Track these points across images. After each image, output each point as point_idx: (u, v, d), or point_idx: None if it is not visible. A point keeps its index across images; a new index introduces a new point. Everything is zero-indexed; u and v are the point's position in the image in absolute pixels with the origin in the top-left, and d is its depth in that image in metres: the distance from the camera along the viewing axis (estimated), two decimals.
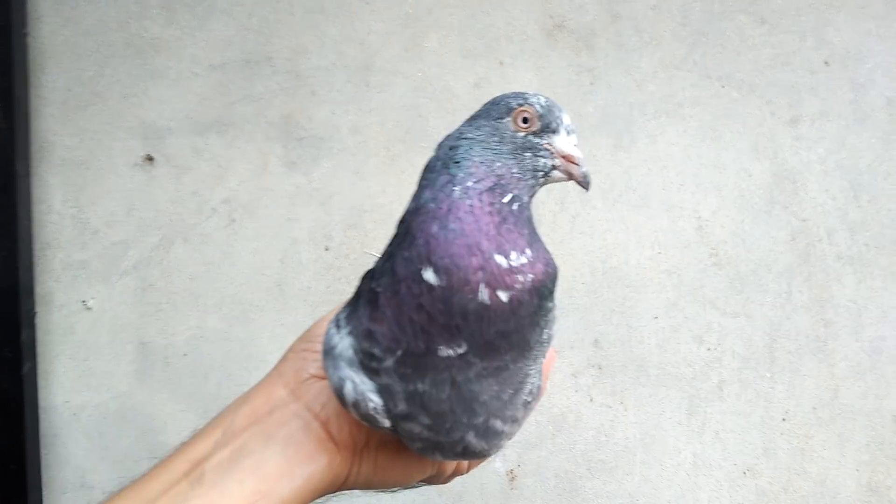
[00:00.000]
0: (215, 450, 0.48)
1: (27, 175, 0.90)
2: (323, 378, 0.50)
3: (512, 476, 0.95)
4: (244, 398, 0.52)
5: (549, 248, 0.92)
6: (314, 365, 0.51)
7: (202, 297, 0.93)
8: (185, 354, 0.94)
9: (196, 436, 0.50)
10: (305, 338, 0.53)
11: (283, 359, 0.52)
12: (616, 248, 0.92)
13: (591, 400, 0.92)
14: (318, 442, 0.48)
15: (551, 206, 0.92)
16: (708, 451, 0.92)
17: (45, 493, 0.95)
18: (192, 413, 0.94)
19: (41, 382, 0.94)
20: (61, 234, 0.94)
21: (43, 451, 0.94)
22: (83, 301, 0.95)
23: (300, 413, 0.49)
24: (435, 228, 0.42)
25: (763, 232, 0.90)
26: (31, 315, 0.89)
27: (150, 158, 0.96)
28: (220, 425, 0.50)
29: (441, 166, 0.45)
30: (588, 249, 0.92)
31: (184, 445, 0.49)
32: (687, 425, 0.92)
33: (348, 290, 0.90)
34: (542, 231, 0.89)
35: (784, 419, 0.92)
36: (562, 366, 0.94)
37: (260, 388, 0.52)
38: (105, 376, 0.94)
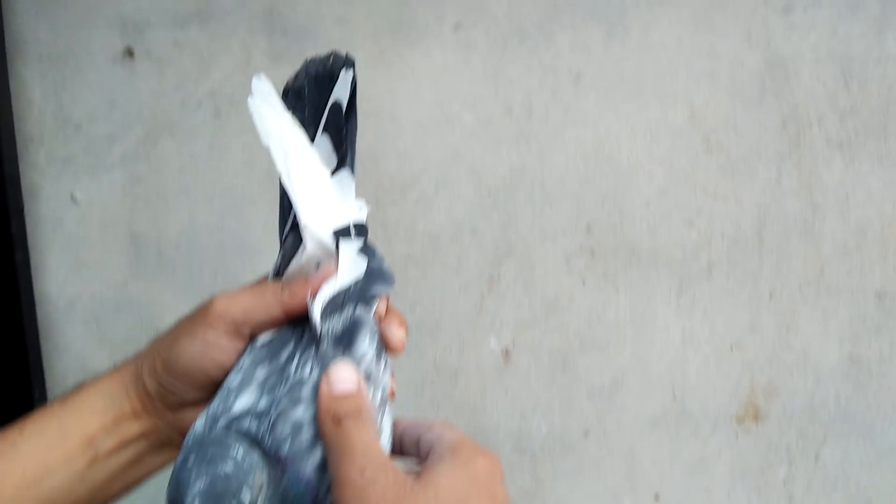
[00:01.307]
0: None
1: (4, 70, 0.89)
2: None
3: (507, 355, 1.01)
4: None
5: (543, 139, 0.94)
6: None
7: (192, 191, 0.95)
8: (177, 246, 0.96)
9: None
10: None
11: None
12: (608, 137, 0.93)
13: (584, 283, 0.96)
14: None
15: (544, 98, 0.93)
16: (696, 328, 0.97)
17: (46, 379, 1.00)
18: (189, 302, 0.96)
19: (34, 275, 0.96)
20: (44, 129, 0.94)
21: (42, 341, 0.98)
22: (71, 194, 0.96)
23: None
24: None
25: (754, 119, 0.92)
26: (19, 206, 0.91)
27: (130, 52, 0.95)
28: None
29: None
30: (580, 140, 0.93)
31: None
32: (677, 305, 0.97)
33: None
34: (535, 123, 0.91)
35: (771, 297, 0.96)
36: (554, 251, 0.96)
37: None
38: (98, 268, 0.96)
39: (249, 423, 0.40)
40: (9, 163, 0.89)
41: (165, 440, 0.47)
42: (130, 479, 0.47)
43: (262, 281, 0.48)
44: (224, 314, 0.44)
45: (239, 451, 0.37)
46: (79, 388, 0.47)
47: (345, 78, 0.48)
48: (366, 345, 0.42)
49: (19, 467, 0.43)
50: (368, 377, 0.42)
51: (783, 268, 0.96)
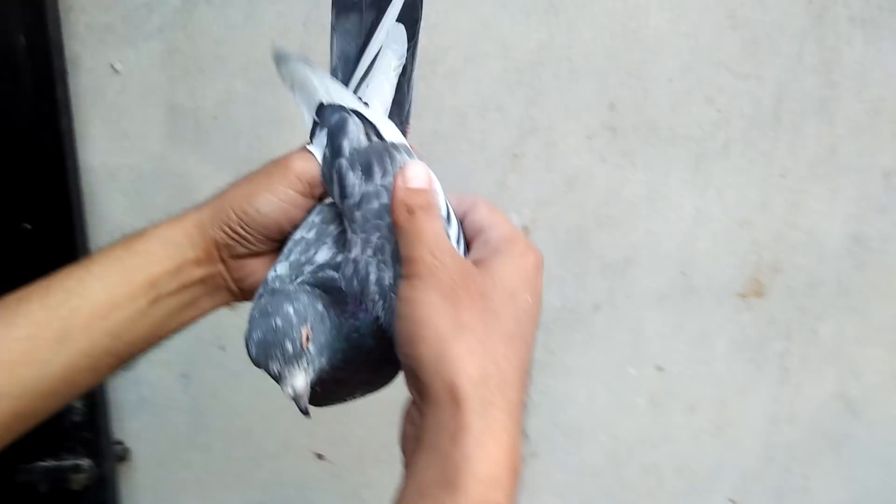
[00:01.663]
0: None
1: None
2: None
3: (526, 231, 0.93)
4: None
5: (572, 11, 0.84)
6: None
7: (228, 62, 0.79)
8: (214, 118, 0.81)
9: None
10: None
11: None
12: (637, 10, 0.77)
13: (604, 160, 0.82)
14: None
15: None
16: (709, 205, 0.84)
17: (91, 248, 0.92)
18: (225, 173, 0.86)
19: (77, 144, 0.88)
20: None
21: (85, 209, 0.90)
22: (111, 64, 0.79)
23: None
24: None
25: None
26: (64, 73, 0.77)
27: None
28: None
29: None
30: (609, 11, 0.77)
31: None
32: (692, 182, 0.83)
33: None
34: None
35: (782, 176, 0.82)
36: (577, 128, 0.81)
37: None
38: (138, 138, 0.82)
39: (329, 272, 0.39)
40: (53, 29, 0.76)
41: (221, 285, 0.45)
42: (186, 318, 0.45)
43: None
44: (303, 174, 0.43)
45: (297, 304, 0.36)
46: (141, 234, 0.44)
47: None
48: (352, 178, 0.42)
49: (89, 302, 0.42)
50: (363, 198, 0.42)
51: (797, 146, 0.82)
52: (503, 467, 0.32)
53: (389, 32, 0.44)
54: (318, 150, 0.44)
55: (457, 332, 0.33)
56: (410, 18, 0.44)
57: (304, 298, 0.36)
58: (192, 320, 0.46)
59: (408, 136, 0.47)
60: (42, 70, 0.76)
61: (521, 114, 0.82)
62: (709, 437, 0.97)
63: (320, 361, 0.36)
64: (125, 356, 0.44)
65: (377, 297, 0.38)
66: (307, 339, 0.35)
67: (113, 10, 0.80)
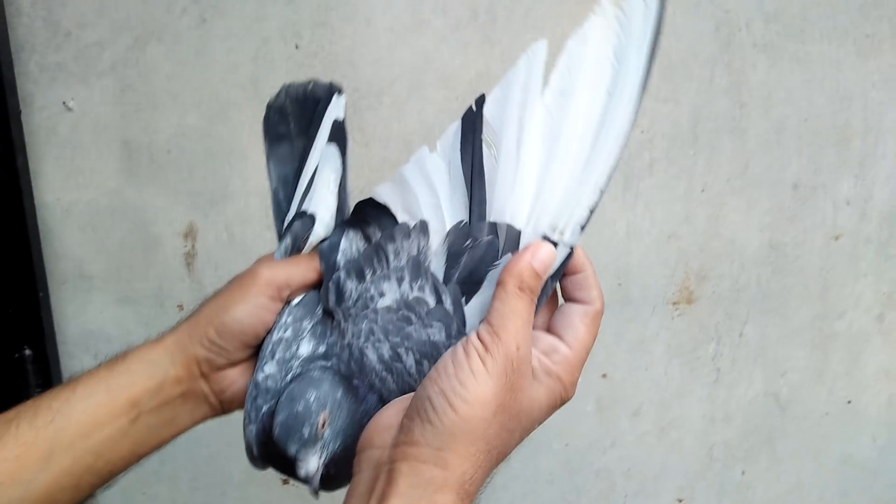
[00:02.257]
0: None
1: None
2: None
3: None
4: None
5: (505, 43, 0.90)
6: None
7: (180, 96, 0.83)
8: (168, 151, 0.84)
9: None
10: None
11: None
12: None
13: None
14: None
15: (506, 2, 0.84)
16: (639, 220, 0.90)
17: (49, 284, 0.93)
18: (181, 205, 0.86)
19: (32, 181, 0.89)
20: (34, 37, 0.80)
21: (42, 245, 0.91)
22: (64, 102, 0.81)
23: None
24: None
25: (692, 23, 0.85)
26: (17, 111, 0.79)
27: None
28: None
29: None
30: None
31: None
32: (622, 199, 0.89)
33: None
34: (499, 27, 0.79)
35: (703, 190, 0.90)
36: None
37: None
38: (93, 174, 0.84)
39: (321, 363, 0.43)
40: (6, 68, 0.79)
41: (202, 400, 0.47)
42: (166, 435, 0.47)
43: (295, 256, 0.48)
44: (271, 281, 0.45)
45: (319, 391, 0.40)
46: (123, 356, 0.47)
47: (337, 101, 0.49)
48: (350, 287, 0.45)
49: (73, 422, 0.44)
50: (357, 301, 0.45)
51: (713, 163, 0.89)
52: None
53: (323, 153, 0.48)
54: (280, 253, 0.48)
55: (475, 433, 0.36)
56: (340, 139, 0.48)
57: (326, 386, 0.41)
58: (171, 437, 0.48)
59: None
60: None
61: None
62: (653, 439, 1.02)
63: (334, 445, 0.40)
64: (106, 475, 0.46)
65: (383, 372, 0.42)
66: (323, 424, 0.39)
67: (64, 49, 0.83)
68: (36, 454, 0.43)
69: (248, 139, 0.87)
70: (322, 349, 0.44)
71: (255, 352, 0.46)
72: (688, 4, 0.84)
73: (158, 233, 0.89)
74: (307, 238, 0.46)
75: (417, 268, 0.42)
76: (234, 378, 0.47)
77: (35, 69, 0.83)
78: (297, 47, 0.85)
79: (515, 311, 0.38)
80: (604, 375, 0.99)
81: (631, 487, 1.04)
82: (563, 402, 0.41)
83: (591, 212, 0.41)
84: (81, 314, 0.88)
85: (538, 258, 0.40)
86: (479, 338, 0.38)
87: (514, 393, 0.37)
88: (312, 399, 0.40)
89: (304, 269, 0.46)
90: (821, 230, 0.95)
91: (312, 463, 0.39)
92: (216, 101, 0.86)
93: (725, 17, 0.85)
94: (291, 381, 0.43)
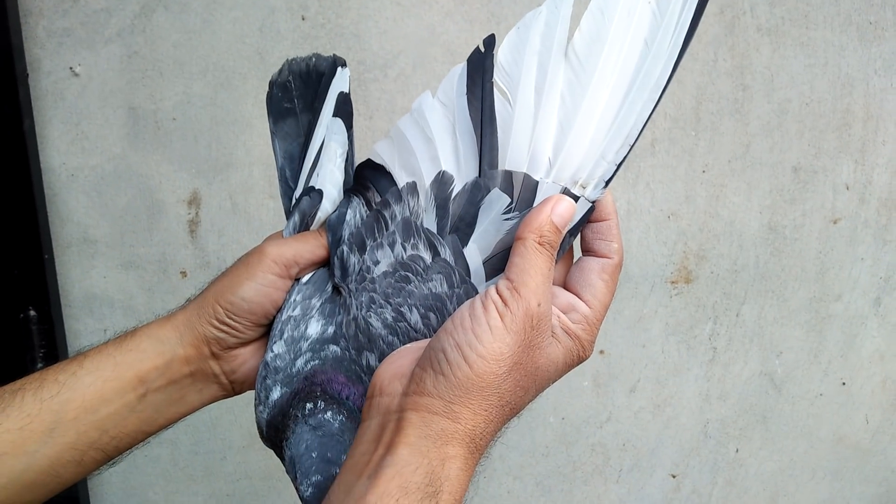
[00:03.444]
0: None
1: None
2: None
3: None
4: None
5: (511, 20, 0.93)
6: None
7: (186, 65, 0.84)
8: (174, 119, 0.86)
9: None
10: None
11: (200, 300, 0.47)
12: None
13: None
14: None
15: None
16: (640, 199, 0.93)
17: (54, 247, 0.95)
18: (185, 173, 0.88)
19: (38, 145, 0.92)
20: (42, 2, 0.81)
21: (48, 209, 0.94)
22: (70, 67, 0.83)
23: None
24: None
25: None
26: (25, 75, 0.81)
27: None
28: None
29: None
30: None
31: None
32: (623, 178, 0.91)
33: None
34: (505, 4, 0.84)
35: (704, 171, 0.92)
36: None
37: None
38: (98, 140, 0.86)
39: (330, 349, 0.43)
40: (14, 33, 0.80)
41: (211, 380, 0.47)
42: (173, 414, 0.47)
43: (303, 233, 0.47)
44: (278, 258, 0.45)
45: (346, 449, 0.39)
46: (133, 332, 0.47)
47: (342, 74, 0.48)
48: (353, 261, 0.45)
49: (80, 396, 0.44)
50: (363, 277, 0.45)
51: (715, 144, 0.91)
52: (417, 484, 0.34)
53: (329, 127, 0.47)
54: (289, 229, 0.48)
55: (488, 389, 0.36)
56: (345, 113, 0.47)
57: (348, 440, 0.40)
58: (179, 416, 0.47)
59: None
60: (3, 73, 0.80)
61: None
62: (649, 415, 1.05)
63: None
64: (111, 451, 0.46)
65: (389, 336, 0.41)
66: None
67: (72, 14, 0.84)
68: (40, 426, 0.43)
69: (252, 109, 0.89)
70: (331, 329, 0.44)
71: (266, 331, 0.46)
72: None
73: (162, 199, 0.91)
74: (315, 214, 0.46)
75: (408, 228, 0.42)
76: (246, 358, 0.47)
77: (42, 34, 0.84)
78: (303, 18, 0.87)
79: (536, 266, 0.37)
80: (601, 351, 1.02)
81: (626, 462, 1.07)
82: (579, 361, 0.40)
83: (618, 167, 0.39)
84: (85, 277, 0.90)
85: (558, 212, 0.38)
86: (498, 292, 0.37)
87: (531, 350, 0.37)
88: (316, 459, 0.40)
89: (313, 246, 0.46)
90: (820, 213, 0.97)
91: None
92: (222, 70, 0.88)
93: (730, 0, 0.86)
94: (304, 365, 0.43)
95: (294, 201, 0.48)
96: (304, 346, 0.44)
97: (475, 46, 0.91)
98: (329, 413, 0.41)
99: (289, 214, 0.48)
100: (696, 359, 1.03)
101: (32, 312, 0.84)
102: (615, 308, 1.00)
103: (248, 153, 0.90)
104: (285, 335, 0.44)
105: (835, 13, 0.89)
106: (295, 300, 0.45)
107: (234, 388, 0.48)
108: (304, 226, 0.47)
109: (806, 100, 0.91)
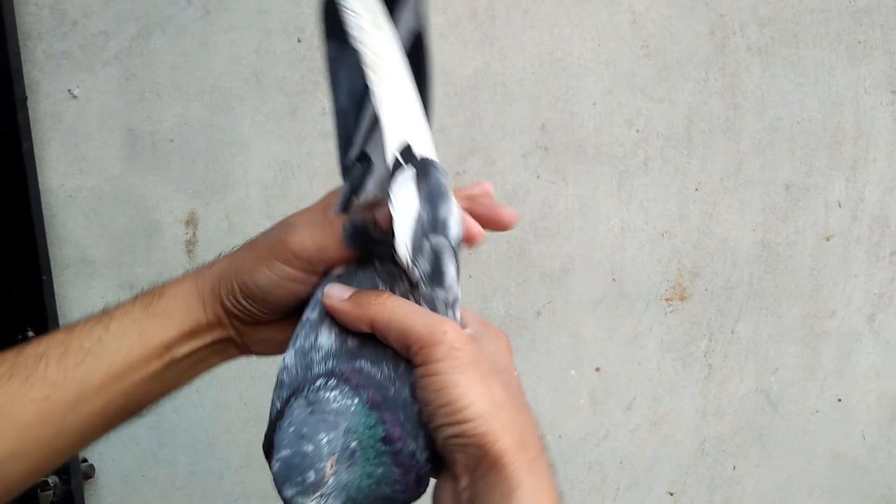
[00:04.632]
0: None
1: None
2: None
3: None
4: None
5: (504, 42, 0.95)
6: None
7: (184, 87, 0.86)
8: (171, 140, 0.87)
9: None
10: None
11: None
12: (562, 40, 0.87)
13: (538, 177, 0.92)
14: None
15: (506, 1, 0.87)
16: (633, 217, 0.94)
17: (52, 269, 0.97)
18: (183, 193, 0.89)
19: (37, 167, 0.93)
20: (41, 26, 0.83)
21: (46, 230, 0.95)
22: (69, 90, 0.85)
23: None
24: None
25: (687, 26, 0.88)
26: (24, 98, 0.83)
27: None
28: None
29: None
30: (537, 41, 0.87)
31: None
32: (617, 196, 0.93)
33: (321, 80, 0.91)
34: (498, 26, 0.89)
35: (697, 189, 0.94)
36: (513, 147, 0.91)
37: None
38: (96, 161, 0.87)
39: (338, 363, 0.38)
40: (13, 56, 0.81)
41: (233, 344, 0.46)
42: (194, 374, 0.46)
43: (330, 214, 0.43)
44: (300, 252, 0.42)
45: (333, 433, 0.35)
46: (159, 292, 0.45)
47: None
48: (452, 270, 0.39)
49: (105, 363, 0.43)
50: (456, 300, 0.40)
51: (708, 162, 0.93)
52: None
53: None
54: (398, 194, 0.38)
55: (497, 410, 0.36)
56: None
57: (343, 426, 0.35)
58: (200, 374, 0.47)
59: None
60: (3, 96, 0.82)
61: (462, 134, 0.92)
62: (646, 433, 1.07)
63: (335, 501, 0.35)
64: (139, 410, 0.46)
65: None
66: (331, 467, 0.35)
67: (70, 37, 0.86)
68: (66, 396, 0.42)
69: (249, 130, 0.91)
70: (351, 343, 0.39)
71: (294, 312, 0.42)
72: (683, 7, 0.88)
73: (160, 220, 0.93)
74: (364, 187, 0.41)
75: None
76: (268, 335, 0.45)
77: (41, 57, 0.86)
78: (299, 41, 0.89)
79: (388, 315, 0.38)
80: (597, 369, 1.04)
81: (623, 480, 1.08)
82: (507, 341, 0.42)
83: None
84: (84, 298, 0.92)
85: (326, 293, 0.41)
86: (418, 364, 0.37)
87: (482, 362, 0.38)
88: (324, 442, 0.35)
89: (341, 243, 0.42)
90: (813, 230, 0.99)
91: None
92: (219, 91, 0.90)
93: (720, 20, 0.89)
94: (314, 381, 0.37)
95: (345, 166, 0.42)
96: (316, 358, 0.38)
97: (470, 68, 0.92)
98: (335, 392, 0.36)
99: (343, 177, 0.42)
100: (692, 376, 1.05)
101: (31, 333, 0.85)
102: (610, 325, 1.02)
103: (245, 174, 0.91)
104: (297, 343, 0.39)
105: (824, 33, 0.91)
106: (318, 298, 0.40)
107: (257, 355, 0.47)
108: (350, 200, 0.42)
109: (797, 118, 0.93)
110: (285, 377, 0.39)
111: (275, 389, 0.39)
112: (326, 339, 0.39)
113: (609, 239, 0.96)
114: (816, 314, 1.02)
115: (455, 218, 0.40)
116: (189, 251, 0.92)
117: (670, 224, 0.96)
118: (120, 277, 0.92)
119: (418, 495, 0.39)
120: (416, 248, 0.39)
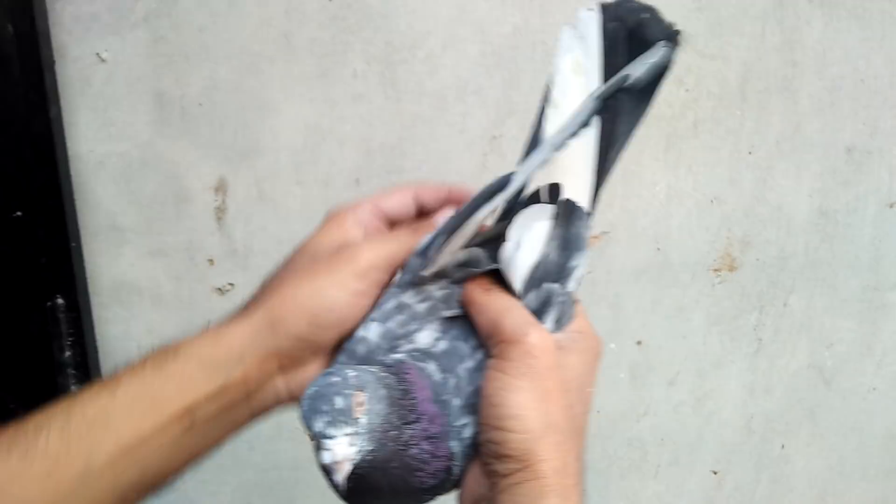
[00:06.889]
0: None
1: None
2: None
3: None
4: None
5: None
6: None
7: (212, 49, 0.85)
8: (200, 104, 0.86)
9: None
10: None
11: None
12: None
13: None
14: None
15: None
16: (681, 182, 0.90)
17: (81, 236, 0.98)
18: (213, 159, 0.88)
19: (66, 132, 0.94)
20: None
21: (75, 197, 0.96)
22: (97, 53, 0.85)
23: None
24: None
25: None
26: (51, 62, 0.82)
27: None
28: None
29: None
30: None
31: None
32: (664, 160, 0.89)
33: (352, 40, 0.89)
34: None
35: (750, 152, 0.89)
36: None
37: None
38: (125, 126, 0.87)
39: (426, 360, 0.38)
40: (40, 19, 0.80)
41: (269, 395, 0.41)
42: (221, 438, 0.42)
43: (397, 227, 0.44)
44: (375, 266, 0.40)
45: (361, 373, 0.35)
46: (174, 352, 0.40)
47: (655, 54, 0.38)
48: (552, 322, 0.39)
49: (113, 436, 0.38)
50: None
51: (762, 124, 0.89)
52: None
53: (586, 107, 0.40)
54: (528, 223, 0.41)
55: (548, 431, 0.35)
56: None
57: (370, 377, 0.35)
58: (227, 438, 0.42)
59: None
60: (30, 59, 0.81)
61: (499, 96, 0.89)
62: (689, 409, 1.04)
63: (366, 444, 0.33)
64: (157, 485, 0.41)
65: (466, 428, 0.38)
66: (360, 404, 0.33)
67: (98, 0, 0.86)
68: (69, 471, 0.38)
69: (278, 94, 0.90)
70: (443, 344, 0.40)
71: (340, 343, 0.42)
72: None
73: (189, 186, 0.92)
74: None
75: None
76: (318, 369, 0.41)
77: (69, 20, 0.86)
78: (329, 0, 0.86)
79: (493, 306, 0.39)
80: (639, 342, 1.01)
81: (664, 457, 1.06)
82: (597, 353, 0.40)
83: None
84: (113, 265, 0.92)
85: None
86: (492, 356, 0.38)
87: (553, 378, 0.37)
88: (351, 375, 0.34)
89: (407, 247, 0.42)
90: (875, 197, 0.94)
91: (342, 446, 0.33)
92: (248, 54, 0.88)
93: None
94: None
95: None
96: (404, 347, 0.39)
97: (508, 25, 0.89)
98: (371, 373, 0.35)
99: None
100: (740, 350, 1.01)
101: (60, 300, 0.86)
102: (653, 297, 0.99)
103: (275, 139, 0.90)
104: (389, 323, 0.39)
105: None
106: (387, 306, 0.40)
107: (291, 399, 0.42)
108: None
109: (861, 76, 0.88)
110: (361, 348, 0.40)
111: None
112: (425, 337, 0.40)
113: (654, 206, 0.92)
114: (877, 286, 0.98)
115: (580, 273, 0.40)
116: (218, 218, 0.92)
117: (720, 190, 0.92)
118: (149, 244, 0.92)
119: (442, 491, 0.38)
120: (531, 285, 0.39)
